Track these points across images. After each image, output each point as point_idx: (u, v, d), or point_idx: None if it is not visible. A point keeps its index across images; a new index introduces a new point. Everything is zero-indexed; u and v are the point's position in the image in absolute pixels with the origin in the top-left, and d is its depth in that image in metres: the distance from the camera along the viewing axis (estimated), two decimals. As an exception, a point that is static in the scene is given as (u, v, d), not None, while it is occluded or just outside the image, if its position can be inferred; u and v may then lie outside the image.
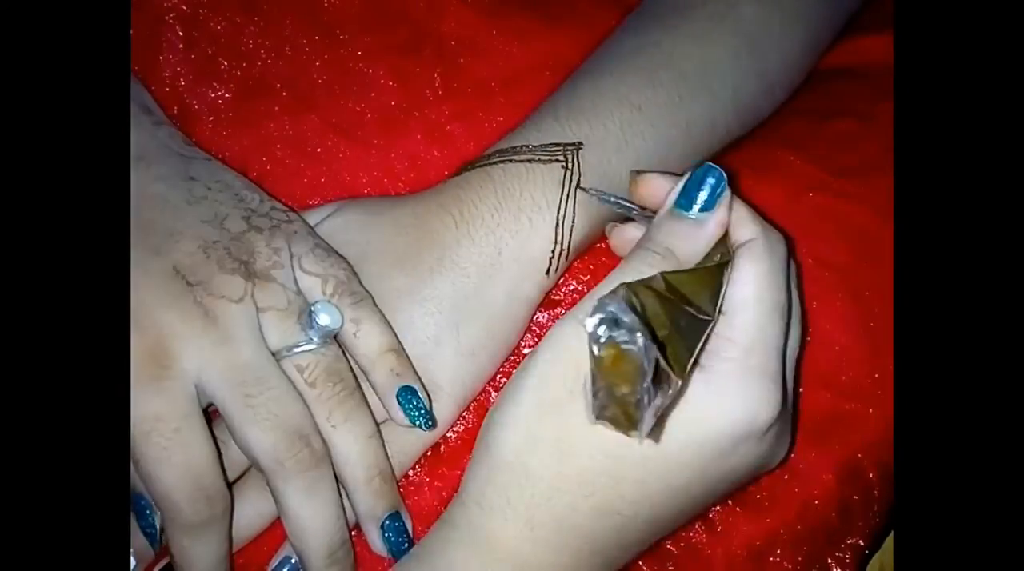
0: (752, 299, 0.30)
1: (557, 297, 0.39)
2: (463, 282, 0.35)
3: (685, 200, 0.31)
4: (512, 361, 0.38)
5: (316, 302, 0.33)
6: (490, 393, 0.37)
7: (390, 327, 0.34)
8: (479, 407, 0.37)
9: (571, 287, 0.39)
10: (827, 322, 0.38)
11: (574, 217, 0.36)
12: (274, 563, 0.34)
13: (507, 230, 0.35)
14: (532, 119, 0.38)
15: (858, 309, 0.38)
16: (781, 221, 0.39)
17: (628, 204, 0.35)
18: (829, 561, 0.38)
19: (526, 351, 0.38)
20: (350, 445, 0.33)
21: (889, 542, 0.44)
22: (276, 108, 0.40)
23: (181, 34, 0.40)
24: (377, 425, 0.34)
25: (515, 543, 0.30)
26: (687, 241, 0.31)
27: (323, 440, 0.32)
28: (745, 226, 0.31)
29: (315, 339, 0.33)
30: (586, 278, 0.39)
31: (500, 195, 0.36)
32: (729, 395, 0.29)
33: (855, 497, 0.38)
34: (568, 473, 0.29)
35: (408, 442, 0.34)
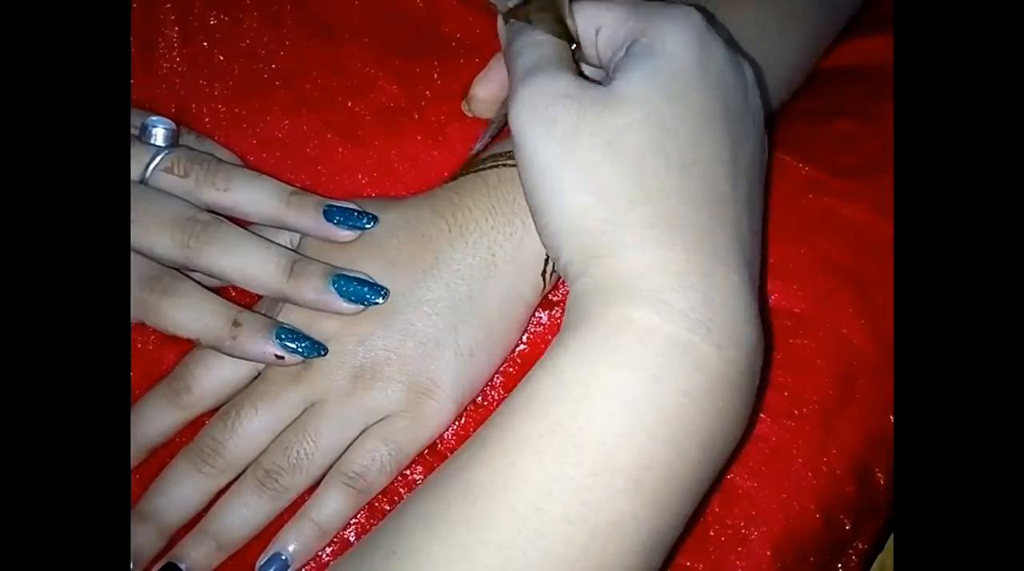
0: None
1: (555, 297, 0.39)
2: (457, 284, 0.35)
3: None
4: (511, 360, 0.38)
5: (145, 121, 0.36)
6: (488, 393, 0.37)
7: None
8: (476, 408, 0.37)
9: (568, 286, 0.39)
10: (838, 317, 0.38)
11: None
12: (263, 559, 0.34)
13: (501, 233, 0.35)
14: None
15: (867, 306, 0.38)
16: (782, 222, 0.39)
17: None
18: (838, 566, 0.38)
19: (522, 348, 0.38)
20: (250, 191, 0.35)
21: (889, 541, 0.44)
22: (275, 107, 0.40)
23: (177, 30, 0.40)
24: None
25: (635, 256, 0.28)
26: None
27: (212, 214, 0.34)
28: None
29: (163, 145, 0.35)
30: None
31: (494, 199, 0.36)
32: (660, 22, 0.30)
33: (865, 502, 0.38)
34: (632, 168, 0.29)
35: (404, 440, 0.34)
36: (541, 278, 0.36)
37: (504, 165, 0.37)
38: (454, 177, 0.38)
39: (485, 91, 0.39)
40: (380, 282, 0.35)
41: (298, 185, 0.40)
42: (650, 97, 0.29)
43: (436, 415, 0.35)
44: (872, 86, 0.44)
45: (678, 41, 0.30)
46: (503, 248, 0.35)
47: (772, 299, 0.38)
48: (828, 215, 0.39)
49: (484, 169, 0.37)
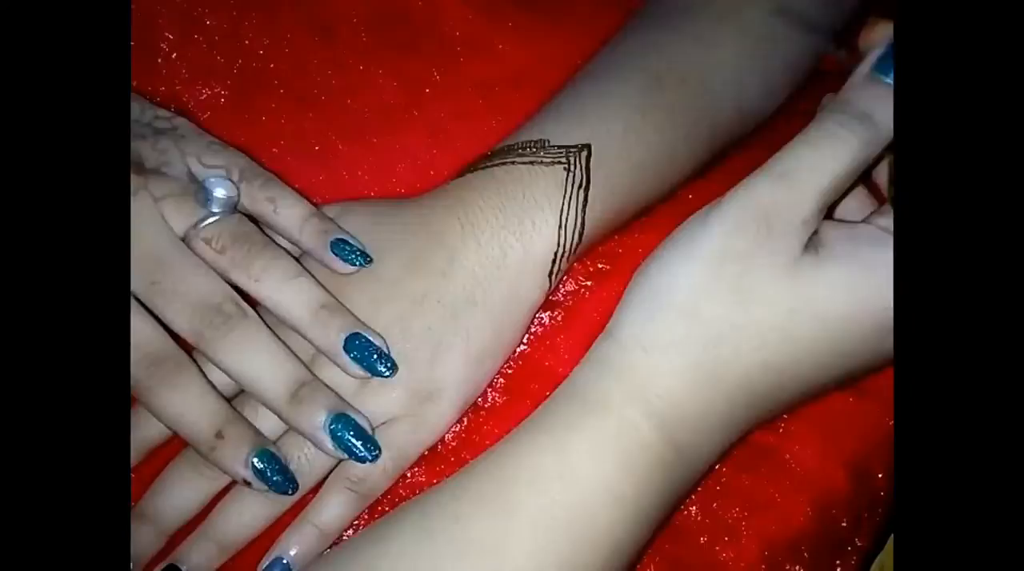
0: None
1: (555, 298, 0.39)
2: (471, 286, 0.35)
3: (886, 67, 0.30)
4: (512, 361, 0.38)
5: (207, 178, 0.34)
6: (488, 394, 0.37)
7: (304, 198, 0.35)
8: (476, 409, 0.37)
9: (570, 288, 0.39)
10: None
11: (577, 219, 0.36)
12: (265, 563, 0.34)
13: (511, 232, 0.35)
14: (535, 121, 0.38)
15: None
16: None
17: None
18: (837, 562, 0.38)
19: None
20: (279, 291, 0.33)
21: (889, 541, 0.44)
22: (274, 105, 0.40)
23: (178, 30, 0.40)
24: (306, 273, 0.34)
25: (671, 382, 0.30)
26: (886, 106, 0.30)
27: (241, 304, 0.33)
28: None
29: (216, 210, 0.34)
30: (587, 282, 0.39)
31: (503, 197, 0.36)
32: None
33: (864, 500, 0.38)
34: (742, 323, 0.29)
35: (406, 443, 0.34)
36: (548, 279, 0.36)
37: (512, 162, 0.36)
38: (461, 174, 0.38)
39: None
40: (401, 285, 0.35)
41: (298, 185, 0.40)
42: (809, 307, 0.29)
43: (439, 419, 0.35)
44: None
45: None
46: (514, 248, 0.35)
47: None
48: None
49: (493, 165, 0.37)
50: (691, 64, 0.39)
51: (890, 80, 0.30)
